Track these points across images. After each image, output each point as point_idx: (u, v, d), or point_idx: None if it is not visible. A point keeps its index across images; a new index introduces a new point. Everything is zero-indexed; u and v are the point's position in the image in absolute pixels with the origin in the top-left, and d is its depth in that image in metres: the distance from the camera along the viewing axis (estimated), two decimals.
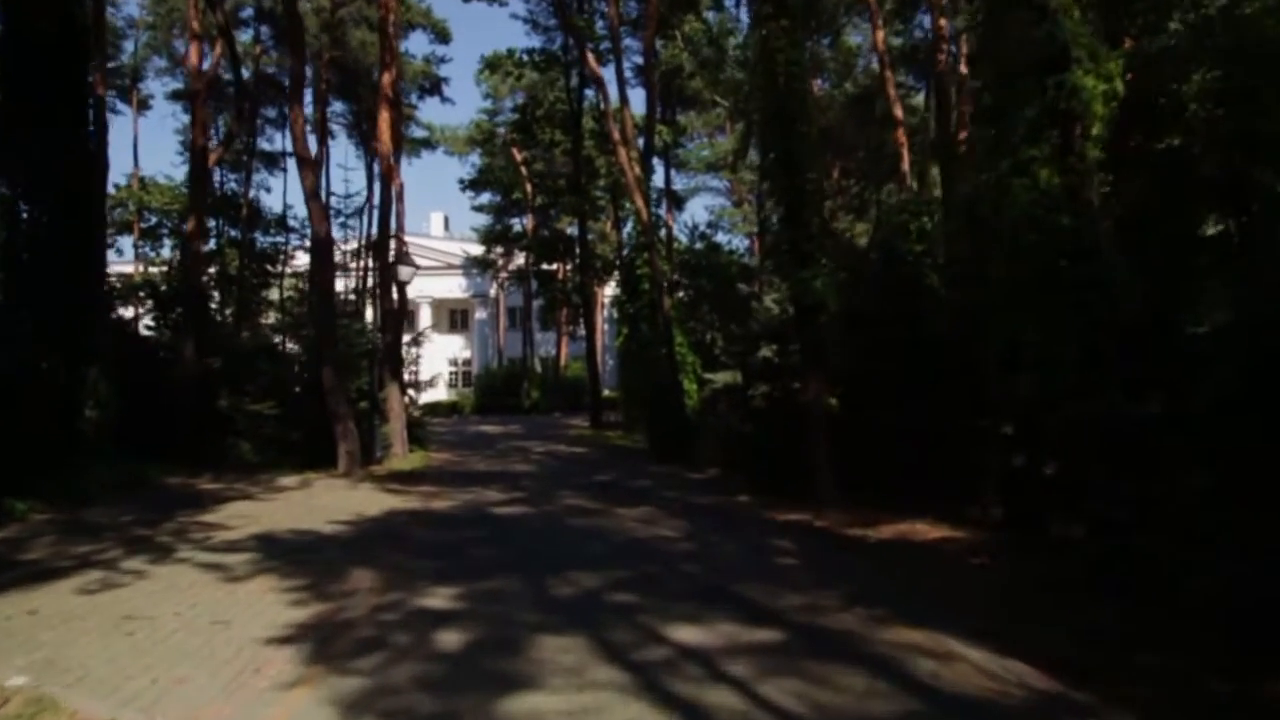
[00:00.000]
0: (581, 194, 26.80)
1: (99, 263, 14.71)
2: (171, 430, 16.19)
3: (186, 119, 34.25)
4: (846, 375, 10.96)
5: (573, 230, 31.05)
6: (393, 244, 17.78)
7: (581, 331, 54.33)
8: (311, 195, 14.09)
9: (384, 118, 16.70)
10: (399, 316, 18.44)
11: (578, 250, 28.61)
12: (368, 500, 11.92)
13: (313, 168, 13.87)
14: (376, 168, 33.00)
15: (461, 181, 27.32)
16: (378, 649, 5.36)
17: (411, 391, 22.86)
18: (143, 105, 36.35)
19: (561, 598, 6.61)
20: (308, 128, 16.41)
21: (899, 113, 17.42)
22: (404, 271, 16.02)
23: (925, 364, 10.75)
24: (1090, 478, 6.10)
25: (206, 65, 18.48)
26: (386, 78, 16.65)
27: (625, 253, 20.79)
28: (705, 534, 9.23)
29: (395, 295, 18.31)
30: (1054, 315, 5.95)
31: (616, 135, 16.85)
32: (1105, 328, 5.45)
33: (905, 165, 17.42)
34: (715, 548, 8.49)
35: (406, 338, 21.02)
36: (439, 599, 6.55)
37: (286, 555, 8.18)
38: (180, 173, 34.13)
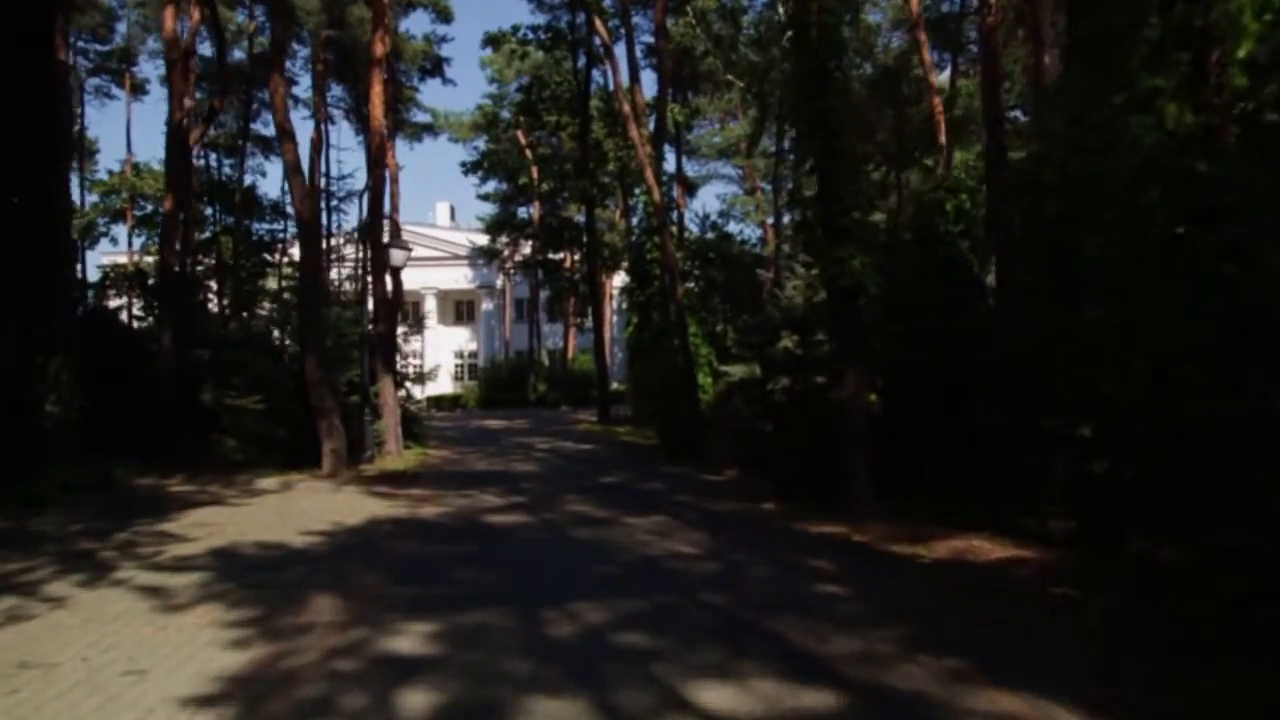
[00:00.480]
0: (589, 178, 25.54)
1: (63, 247, 13.61)
2: (149, 426, 15.13)
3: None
4: (885, 368, 9.70)
5: (580, 218, 29.76)
6: (386, 226, 16.56)
7: (589, 323, 53.31)
8: (293, 170, 12.92)
9: (376, 87, 15.51)
10: (394, 304, 17.27)
11: (585, 238, 27.35)
12: (350, 506, 10.76)
13: (293, 140, 12.74)
14: None
15: (464, 165, 26.32)
16: (320, 717, 4.18)
17: (411, 385, 21.74)
18: (138, 89, 35.34)
19: (559, 639, 5.40)
20: (301, 107, 15.28)
21: (934, 79, 16.09)
22: (396, 255, 14.85)
23: (972, 356, 9.51)
24: (1223, 492, 4.85)
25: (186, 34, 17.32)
26: (379, 43, 15.44)
27: (635, 237, 19.43)
28: (728, 550, 8.02)
29: (389, 282, 17.15)
30: (1178, 293, 4.72)
31: (627, 108, 15.60)
32: (1253, 307, 4.22)
33: (942, 137, 16.09)
34: (742, 569, 7.28)
35: (402, 329, 19.85)
36: (410, 639, 5.37)
37: (242, 576, 7.02)
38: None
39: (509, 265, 41.38)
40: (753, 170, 45.35)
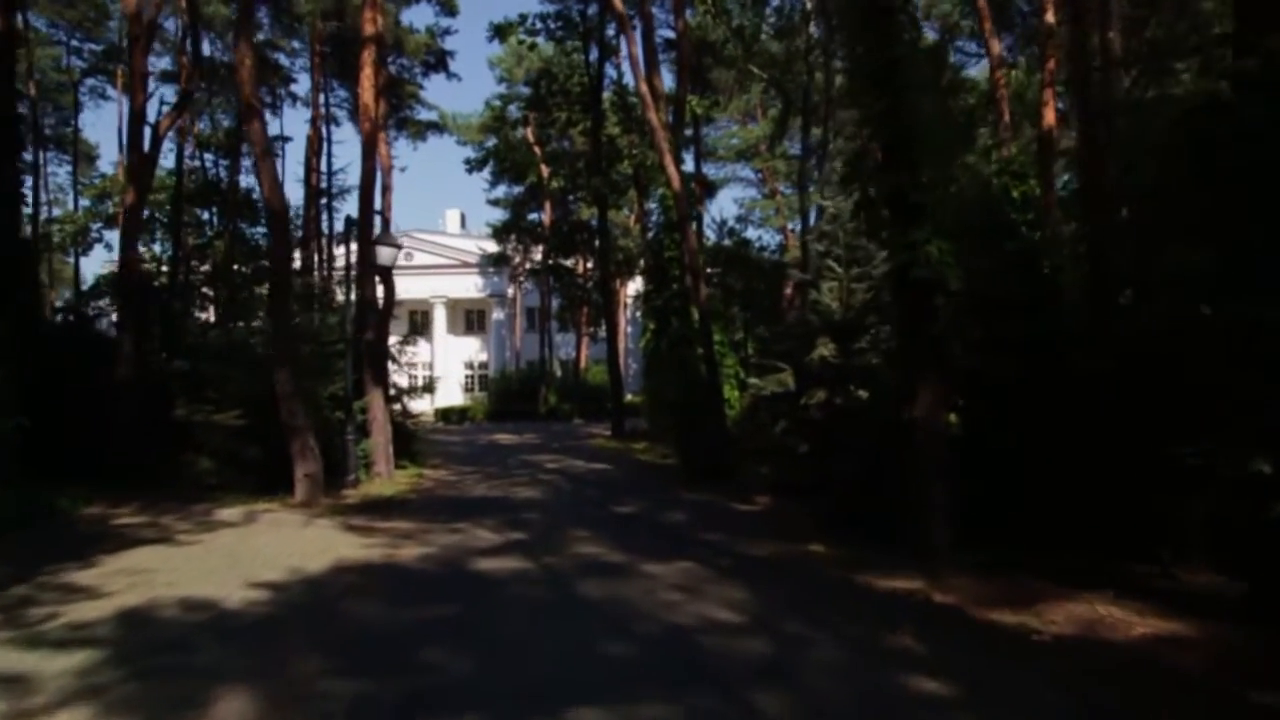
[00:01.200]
0: (602, 176, 23.87)
1: (9, 248, 12.09)
2: (107, 446, 13.56)
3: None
4: (965, 381, 7.89)
5: (593, 220, 28.11)
6: (377, 224, 14.93)
7: (603, 332, 51.67)
8: (261, 153, 11.30)
9: (366, 69, 13.94)
10: (385, 309, 15.61)
11: (598, 241, 25.69)
12: (317, 544, 9.05)
13: (262, 120, 11.12)
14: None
15: (468, 162, 24.69)
16: None
17: (410, 398, 20.08)
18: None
19: None
20: (301, 107, 13.71)
21: (995, 47, 14.29)
22: (384, 254, 13.20)
23: (1074, 366, 7.70)
24: None
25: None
26: (370, 21, 13.87)
27: (653, 234, 17.64)
28: (779, 617, 6.22)
29: (380, 287, 15.52)
30: None
31: (644, 88, 13.91)
32: None
33: (1005, 114, 14.27)
34: (801, 650, 5.47)
35: (396, 338, 18.21)
36: None
37: (140, 658, 5.31)
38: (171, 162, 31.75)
39: (520, 272, 39.78)
40: (772, 173, 43.64)
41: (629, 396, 44.00)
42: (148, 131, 14.15)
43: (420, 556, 8.54)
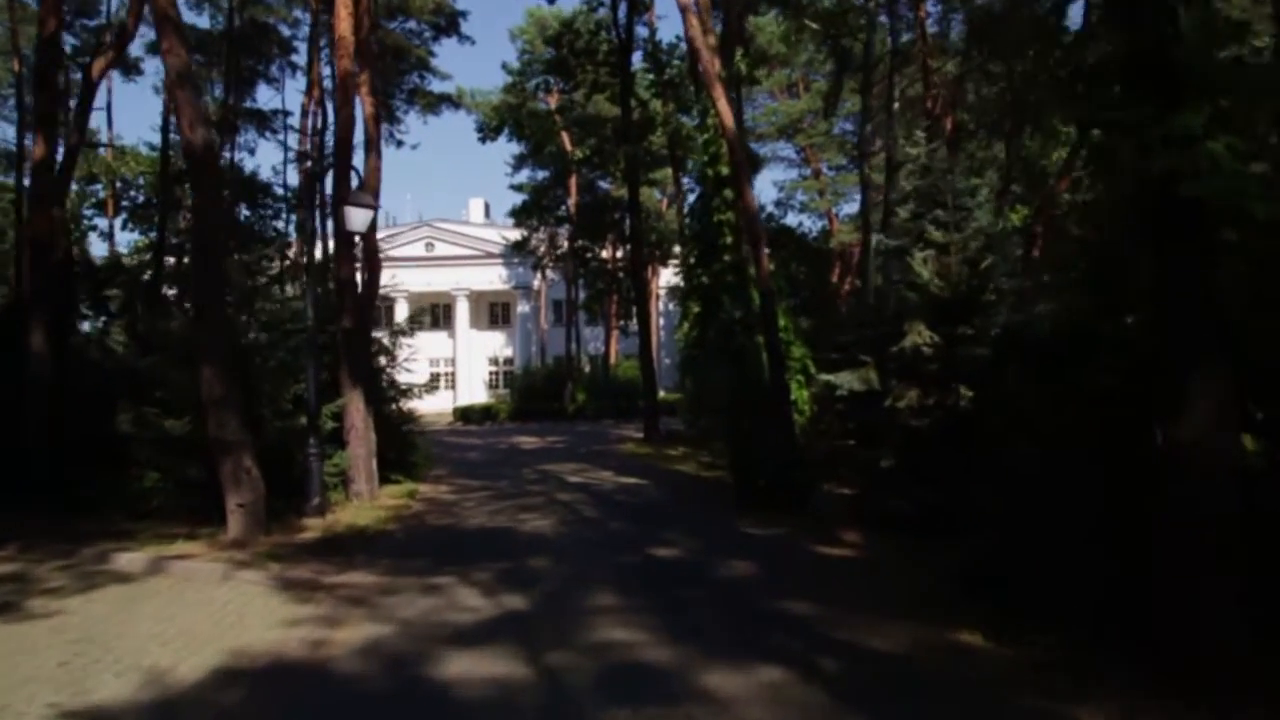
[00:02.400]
0: (632, 141, 20.84)
1: None
2: (28, 461, 10.94)
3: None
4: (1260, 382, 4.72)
5: (621, 200, 25.06)
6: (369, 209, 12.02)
7: (633, 325, 48.66)
8: (178, 81, 8.43)
9: None
10: (367, 290, 12.78)
11: (628, 220, 22.67)
12: (219, 620, 6.17)
13: (179, 33, 8.23)
14: (385, 128, 27.80)
15: (481, 131, 21.80)
16: None
17: (411, 398, 17.27)
18: (131, 69, 31.76)
19: None
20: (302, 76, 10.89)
21: None
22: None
23: None
24: None
25: None
26: None
27: (695, 197, 14.43)
28: None
29: (361, 269, 12.67)
30: None
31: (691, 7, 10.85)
32: None
33: None
34: None
35: (383, 332, 15.42)
36: None
37: None
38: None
39: (544, 261, 36.88)
40: (816, 150, 40.29)
41: (661, 394, 41.08)
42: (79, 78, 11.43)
43: (363, 647, 5.60)
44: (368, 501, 11.57)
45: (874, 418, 10.94)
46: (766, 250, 10.55)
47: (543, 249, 34.14)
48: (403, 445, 14.76)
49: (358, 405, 11.71)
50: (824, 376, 11.09)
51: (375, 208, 10.67)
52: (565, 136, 27.84)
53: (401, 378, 15.97)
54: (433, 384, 16.69)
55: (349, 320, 11.75)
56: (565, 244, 32.68)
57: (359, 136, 12.42)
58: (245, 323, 11.34)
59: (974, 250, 11.13)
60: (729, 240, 11.65)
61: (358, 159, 12.41)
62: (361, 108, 12.45)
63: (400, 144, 26.46)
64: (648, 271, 28.79)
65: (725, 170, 11.71)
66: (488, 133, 21.01)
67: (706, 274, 11.77)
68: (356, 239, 11.92)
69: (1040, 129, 23.37)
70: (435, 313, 52.40)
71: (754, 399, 10.65)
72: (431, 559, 8.30)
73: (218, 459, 8.39)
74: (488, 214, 56.50)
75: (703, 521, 10.30)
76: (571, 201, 28.24)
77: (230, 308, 10.08)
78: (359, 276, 12.66)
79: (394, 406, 15.17)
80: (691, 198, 20.41)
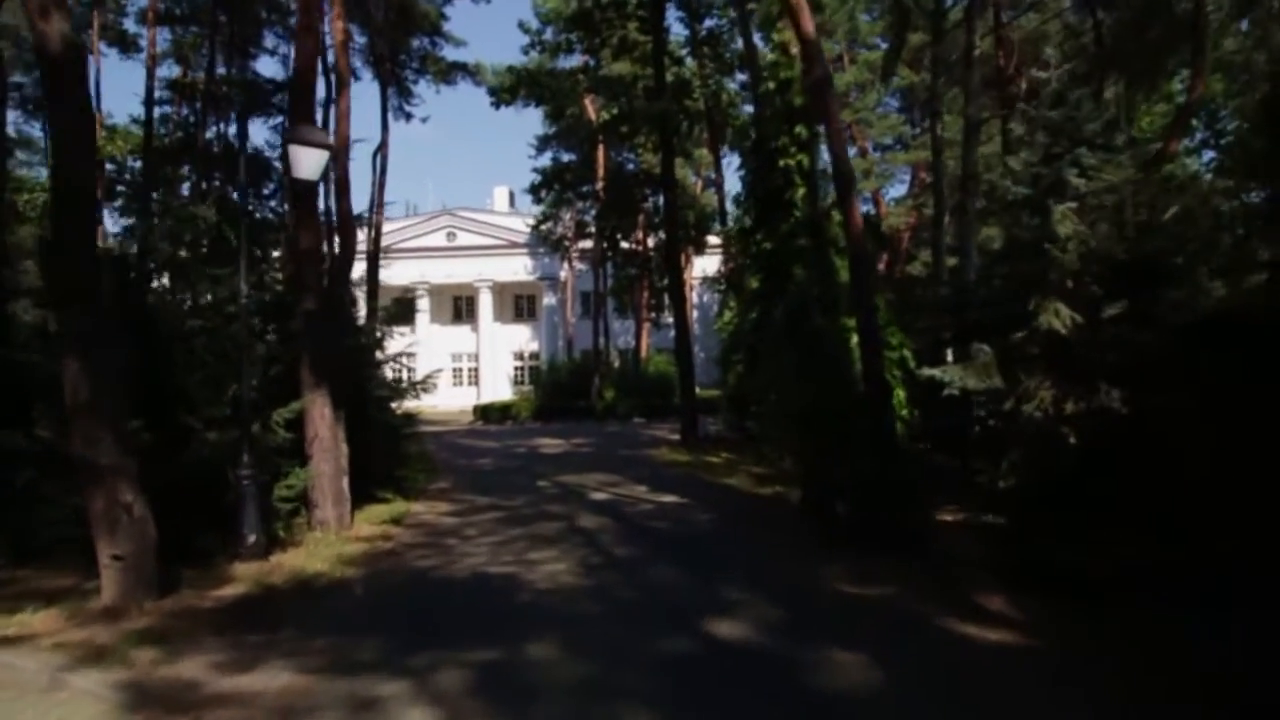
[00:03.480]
0: (666, 97, 18.02)
1: None
2: None
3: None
4: None
5: (648, 172, 22.23)
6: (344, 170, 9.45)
7: (666, 317, 45.89)
8: None
9: None
10: (339, 267, 10.20)
11: (662, 195, 19.90)
12: None
13: None
14: (394, 101, 25.31)
15: (494, 94, 19.25)
16: None
17: (410, 398, 14.73)
18: (129, 45, 29.69)
19: None
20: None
21: None
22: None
23: None
24: None
25: None
26: None
27: (749, 150, 11.49)
28: None
29: (335, 241, 10.08)
30: None
31: None
32: None
33: None
34: None
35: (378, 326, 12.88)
36: None
37: None
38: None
39: (569, 241, 34.14)
40: (861, 130, 37.14)
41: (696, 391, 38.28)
42: None
43: None
44: (335, 533, 9.01)
45: (996, 425, 8.18)
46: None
47: (567, 230, 31.39)
48: (395, 456, 12.21)
49: (322, 409, 9.14)
50: (927, 371, 8.27)
51: (329, 148, 8.02)
52: (589, 106, 25.11)
53: (389, 373, 13.42)
54: (431, 380, 13.98)
55: (311, 301, 9.16)
56: (591, 226, 29.91)
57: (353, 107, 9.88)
58: (175, 306, 8.81)
59: (1140, 200, 8.28)
60: (800, 191, 8.82)
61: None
62: (331, 32, 9.84)
63: (410, 117, 23.99)
64: (682, 257, 26.00)
65: (798, 100, 8.89)
66: (501, 96, 18.51)
67: (770, 238, 8.95)
68: (356, 226, 9.33)
69: (1144, 79, 19.98)
70: (458, 305, 50.18)
71: (838, 399, 7.87)
72: (388, 638, 5.66)
73: (85, 490, 5.83)
74: (512, 203, 54.07)
75: (775, 569, 7.54)
76: (598, 176, 25.43)
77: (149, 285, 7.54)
78: (334, 248, 10.09)
79: (386, 408, 12.61)
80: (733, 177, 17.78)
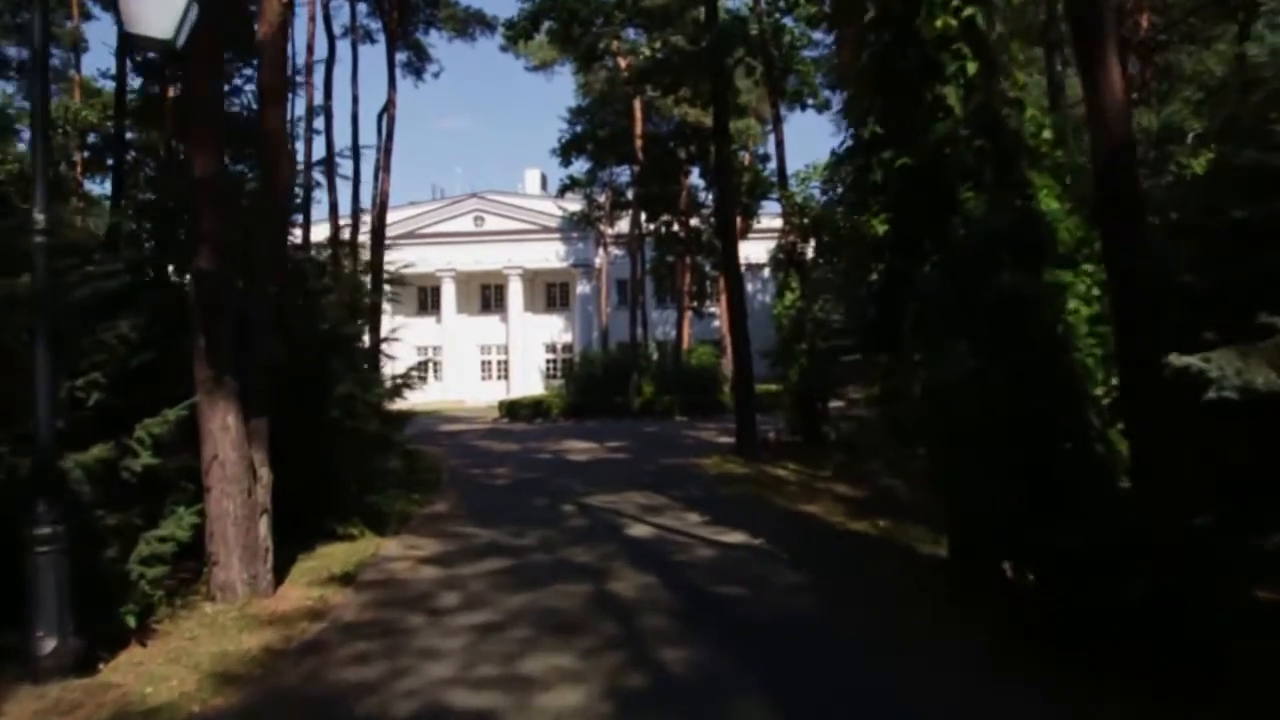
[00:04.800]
0: (719, 33, 14.67)
1: None
2: None
3: None
4: None
5: (695, 125, 18.75)
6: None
7: (710, 306, 42.48)
8: None
9: None
10: (264, 207, 7.07)
11: (712, 147, 16.50)
12: None
13: None
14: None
15: (508, 27, 16.08)
16: None
17: (404, 395, 11.70)
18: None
19: None
20: None
21: None
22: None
23: None
24: None
25: None
26: None
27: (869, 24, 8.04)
28: None
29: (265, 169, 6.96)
30: None
31: None
32: None
33: None
34: None
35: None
36: None
37: None
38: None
39: (602, 214, 30.86)
40: None
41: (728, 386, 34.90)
42: None
43: None
44: (243, 604, 5.92)
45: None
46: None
47: (602, 207, 28.10)
48: (368, 474, 9.10)
49: (225, 419, 6.03)
50: (1181, 359, 4.89)
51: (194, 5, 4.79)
52: (622, 62, 21.80)
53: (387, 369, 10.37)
54: (416, 375, 10.82)
55: (208, 258, 6.04)
56: (628, 194, 26.58)
57: None
58: None
59: None
60: (970, 61, 5.40)
61: None
62: None
63: (420, 74, 21.10)
64: (736, 221, 22.43)
65: None
66: (517, 31, 15.47)
67: (908, 151, 5.58)
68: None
69: None
70: (487, 294, 47.35)
71: (1053, 402, 4.53)
72: None
73: None
74: (544, 186, 51.02)
75: (933, 686, 4.24)
76: (636, 136, 22.01)
77: None
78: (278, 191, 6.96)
79: (361, 413, 9.50)
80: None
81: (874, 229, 6.19)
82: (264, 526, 6.31)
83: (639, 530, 9.15)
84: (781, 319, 18.28)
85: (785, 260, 18.53)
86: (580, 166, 26.61)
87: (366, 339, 16.44)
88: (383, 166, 19.72)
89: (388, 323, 44.52)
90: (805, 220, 17.32)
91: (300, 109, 21.04)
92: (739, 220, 26.64)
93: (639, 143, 21.20)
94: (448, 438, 22.82)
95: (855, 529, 9.00)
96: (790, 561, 7.61)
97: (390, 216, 44.42)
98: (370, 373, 10.54)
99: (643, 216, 28.09)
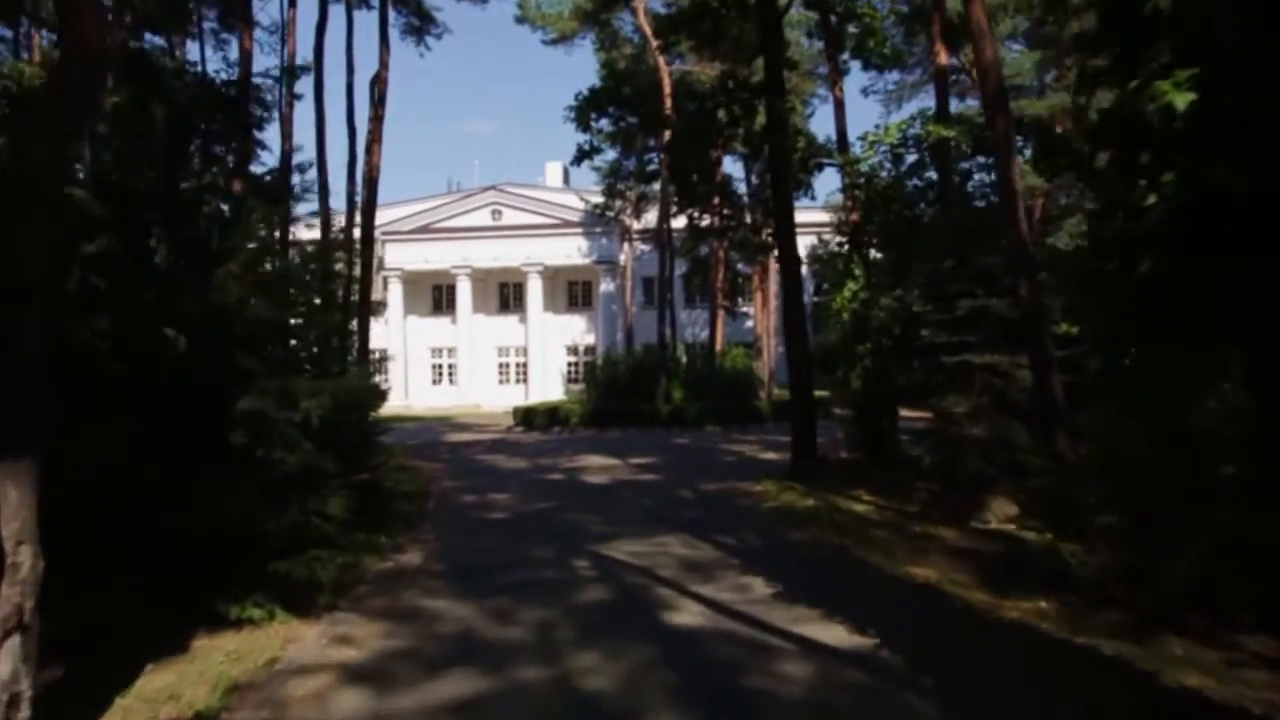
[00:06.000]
0: None
1: None
2: None
3: None
4: None
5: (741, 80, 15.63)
6: None
7: (744, 306, 39.39)
8: None
9: None
10: (71, 87, 4.21)
11: (765, 101, 13.44)
12: None
13: None
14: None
15: None
16: None
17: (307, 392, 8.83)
18: None
19: None
20: None
21: None
22: None
23: None
24: None
25: None
26: None
27: None
28: None
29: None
30: None
31: None
32: None
33: None
34: None
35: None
36: None
37: None
38: None
39: (627, 211, 28.03)
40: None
41: (776, 391, 31.75)
42: None
43: None
44: None
45: None
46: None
47: (625, 191, 25.16)
48: (292, 528, 6.19)
49: None
50: None
51: None
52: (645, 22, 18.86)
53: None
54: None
55: None
56: (654, 190, 23.63)
57: None
58: None
59: None
60: None
61: None
62: None
63: (422, 36, 18.39)
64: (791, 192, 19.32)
65: None
66: None
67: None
68: None
69: None
70: (504, 293, 44.65)
71: None
72: None
73: None
74: (566, 180, 48.30)
75: None
76: (664, 95, 18.82)
77: None
78: None
79: (293, 442, 6.57)
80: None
81: (1143, 194, 3.27)
82: (8, 659, 3.42)
83: (684, 615, 6.16)
84: (841, 312, 15.21)
85: (847, 243, 15.48)
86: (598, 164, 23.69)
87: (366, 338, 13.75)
88: (374, 137, 16.96)
89: (397, 321, 41.83)
90: (871, 193, 14.30)
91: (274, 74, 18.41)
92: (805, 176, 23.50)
93: (668, 103, 18.06)
94: (450, 449, 20.00)
95: (1012, 617, 5.94)
96: (942, 694, 4.57)
97: (402, 210, 42.58)
98: (317, 379, 7.65)
99: (672, 203, 25.11)
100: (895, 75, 31.99)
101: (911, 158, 15.10)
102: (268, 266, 7.47)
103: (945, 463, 9.87)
